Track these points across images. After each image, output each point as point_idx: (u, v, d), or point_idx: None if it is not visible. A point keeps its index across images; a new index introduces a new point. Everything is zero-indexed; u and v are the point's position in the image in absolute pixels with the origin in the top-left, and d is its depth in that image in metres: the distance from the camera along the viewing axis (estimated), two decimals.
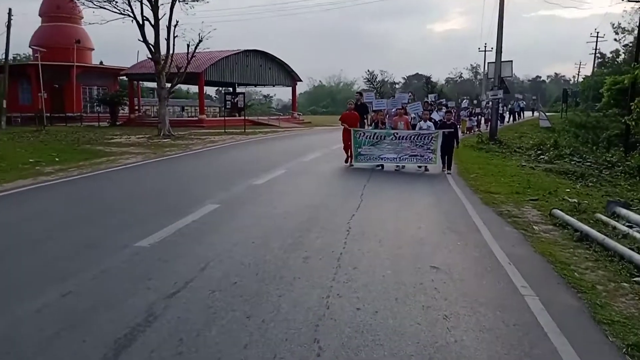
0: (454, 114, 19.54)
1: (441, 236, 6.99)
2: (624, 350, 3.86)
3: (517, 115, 44.08)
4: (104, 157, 15.91)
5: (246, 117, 35.25)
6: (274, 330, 3.83)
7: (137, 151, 17.93)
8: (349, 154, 13.57)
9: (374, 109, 14.73)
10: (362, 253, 5.90)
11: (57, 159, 14.70)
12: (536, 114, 48.25)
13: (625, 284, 5.34)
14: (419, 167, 13.40)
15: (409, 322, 4.09)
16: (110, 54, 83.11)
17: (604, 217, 8.26)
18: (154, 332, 3.75)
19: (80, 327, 3.82)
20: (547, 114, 40.49)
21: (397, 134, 13.18)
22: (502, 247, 6.41)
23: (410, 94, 19.69)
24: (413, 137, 13.02)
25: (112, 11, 24.10)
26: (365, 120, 14.21)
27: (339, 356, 3.50)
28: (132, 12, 23.87)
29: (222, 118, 35.73)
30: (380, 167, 13.37)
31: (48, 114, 31.88)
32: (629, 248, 6.29)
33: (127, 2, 23.76)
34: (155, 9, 24.02)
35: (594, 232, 7.09)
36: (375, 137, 13.13)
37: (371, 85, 30.41)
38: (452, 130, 13.28)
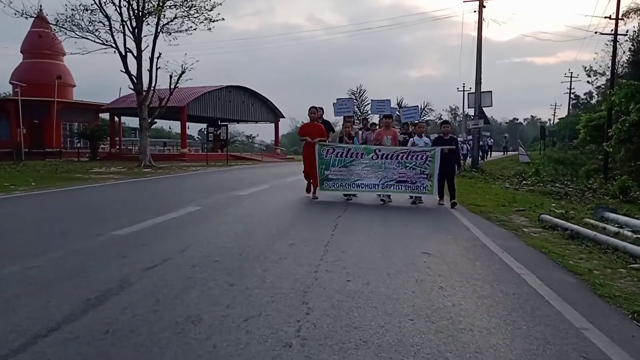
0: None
1: (430, 232, 6.79)
2: (630, 316, 3.65)
3: (485, 154, 42.62)
4: (82, 181, 15.45)
5: (229, 153, 35.04)
6: (259, 295, 3.55)
7: (117, 177, 17.52)
8: (313, 179, 9.97)
9: (344, 114, 11.29)
10: (350, 242, 5.66)
11: (33, 184, 14.20)
12: (509, 153, 48.70)
13: (622, 270, 5.17)
14: (410, 198, 10.17)
15: (403, 291, 3.84)
16: (91, 93, 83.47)
17: (592, 221, 8.15)
18: (127, 295, 3.44)
19: (43, 292, 3.50)
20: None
21: (379, 151, 9.63)
22: (493, 241, 6.23)
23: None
24: (401, 155, 9.58)
25: (95, 42, 24.03)
26: (329, 139, 10.36)
27: (329, 314, 3.23)
28: (115, 43, 23.86)
29: (205, 153, 35.48)
30: (349, 198, 9.92)
31: (27, 149, 31.23)
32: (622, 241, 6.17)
33: (109, 32, 23.78)
34: (138, 40, 24.03)
35: (584, 230, 6.97)
36: (349, 155, 9.64)
37: (353, 97, 26.85)
38: (453, 147, 9.99)
